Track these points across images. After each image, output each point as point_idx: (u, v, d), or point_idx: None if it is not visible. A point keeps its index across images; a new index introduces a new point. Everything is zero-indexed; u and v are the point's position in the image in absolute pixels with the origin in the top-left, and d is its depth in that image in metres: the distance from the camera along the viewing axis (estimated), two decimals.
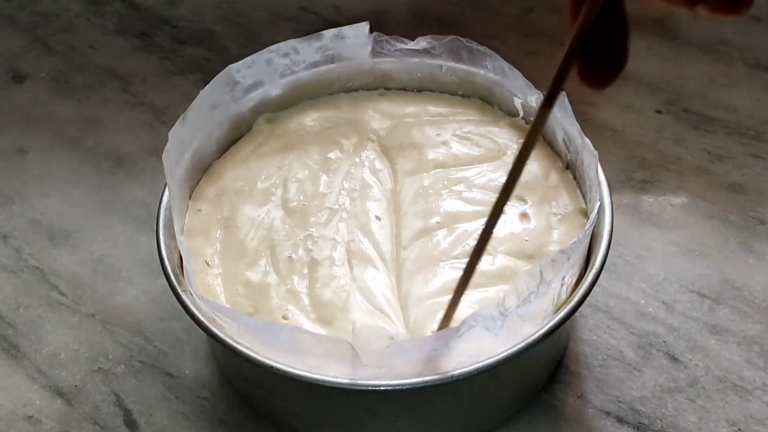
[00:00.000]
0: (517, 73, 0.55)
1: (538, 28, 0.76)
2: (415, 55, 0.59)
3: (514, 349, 0.43)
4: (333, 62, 0.59)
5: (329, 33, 0.58)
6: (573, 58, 0.36)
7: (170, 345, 0.56)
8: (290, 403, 0.49)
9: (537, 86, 0.54)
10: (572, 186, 0.53)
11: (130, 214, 0.64)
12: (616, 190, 0.62)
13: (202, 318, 0.45)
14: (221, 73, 0.55)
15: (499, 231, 0.51)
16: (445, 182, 0.54)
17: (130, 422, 0.52)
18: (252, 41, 0.78)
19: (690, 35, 0.75)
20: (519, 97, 0.56)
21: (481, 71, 0.58)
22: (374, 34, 0.58)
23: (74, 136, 0.70)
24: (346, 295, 0.49)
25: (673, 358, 0.53)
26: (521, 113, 0.57)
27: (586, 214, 0.52)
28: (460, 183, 0.54)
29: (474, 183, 0.54)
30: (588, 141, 0.51)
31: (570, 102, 0.51)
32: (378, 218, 0.53)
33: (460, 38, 0.57)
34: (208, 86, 0.54)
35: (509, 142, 0.56)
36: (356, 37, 0.58)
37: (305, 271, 0.50)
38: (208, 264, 0.51)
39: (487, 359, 0.43)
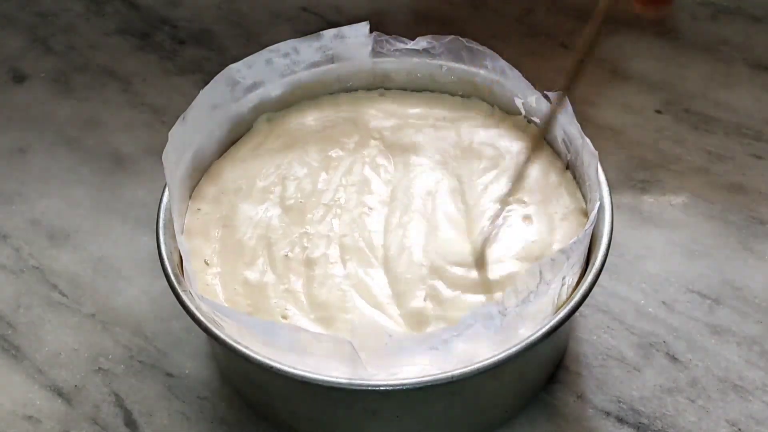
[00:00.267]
0: (517, 73, 0.55)
1: (538, 28, 0.76)
2: (415, 55, 0.59)
3: (514, 349, 0.43)
4: (333, 62, 0.59)
5: (329, 33, 0.58)
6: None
7: (170, 345, 0.56)
8: (290, 403, 0.49)
9: (537, 86, 0.54)
10: (572, 186, 0.53)
11: (130, 214, 0.64)
12: (616, 190, 0.61)
13: (202, 318, 0.45)
14: (221, 73, 0.55)
15: (504, 236, 0.51)
16: (445, 183, 0.54)
17: (130, 422, 0.52)
18: (252, 41, 0.78)
19: (690, 35, 0.75)
20: (519, 97, 0.56)
21: (481, 71, 0.58)
22: (374, 34, 0.58)
23: (74, 136, 0.70)
24: (341, 293, 0.49)
25: (673, 358, 0.53)
26: (523, 112, 0.57)
27: (586, 214, 0.52)
28: (462, 184, 0.54)
29: (475, 189, 0.54)
30: (588, 141, 0.50)
31: (570, 102, 0.51)
32: (370, 209, 0.53)
33: (460, 38, 0.57)
34: (208, 86, 0.54)
35: (511, 147, 0.56)
36: (356, 37, 0.58)
37: (301, 269, 0.50)
38: (207, 263, 0.51)
39: (487, 359, 0.43)
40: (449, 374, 0.42)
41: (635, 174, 0.64)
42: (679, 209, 0.61)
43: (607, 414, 0.51)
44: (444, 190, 0.54)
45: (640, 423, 0.51)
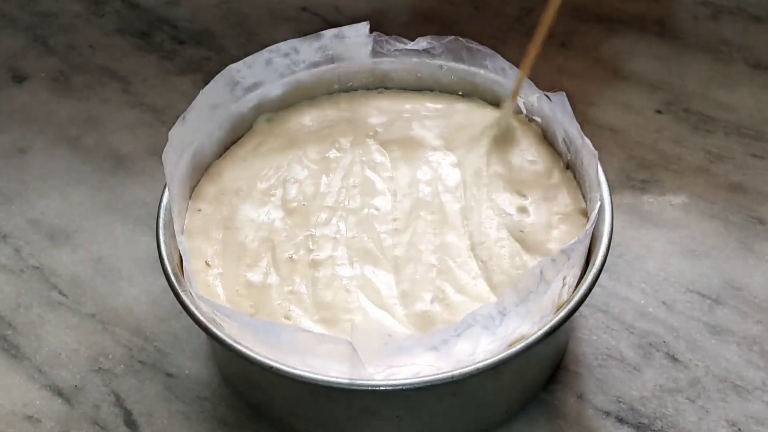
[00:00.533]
0: (518, 73, 0.55)
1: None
2: (415, 55, 0.59)
3: (514, 349, 0.43)
4: (333, 62, 0.59)
5: (329, 33, 0.58)
6: None
7: (170, 345, 0.56)
8: (290, 403, 0.49)
9: (537, 86, 0.54)
10: (573, 186, 0.53)
11: (130, 214, 0.64)
12: (616, 190, 0.62)
13: (202, 318, 0.45)
14: (221, 73, 0.55)
15: (494, 227, 0.51)
16: (440, 174, 0.54)
17: (130, 422, 0.52)
18: (252, 41, 0.78)
19: (690, 35, 0.75)
20: (520, 97, 0.56)
21: (481, 71, 0.58)
22: (374, 34, 0.58)
23: (74, 136, 0.70)
24: (347, 294, 0.49)
25: (673, 358, 0.53)
26: (524, 111, 0.57)
27: (586, 214, 0.52)
28: (463, 172, 0.54)
29: (469, 170, 0.54)
30: (588, 141, 0.51)
31: (570, 102, 0.51)
32: (377, 209, 0.53)
33: (460, 38, 0.57)
34: (208, 86, 0.54)
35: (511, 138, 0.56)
36: (356, 37, 0.58)
37: (307, 271, 0.50)
38: (208, 264, 0.51)
39: (487, 359, 0.43)
40: (449, 374, 0.42)
41: (635, 174, 0.64)
42: (679, 209, 0.61)
43: (607, 414, 0.51)
44: (445, 181, 0.54)
45: (640, 423, 0.51)
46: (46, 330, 0.57)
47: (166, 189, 0.51)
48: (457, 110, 0.59)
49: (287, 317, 0.48)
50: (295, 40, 0.57)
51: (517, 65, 0.55)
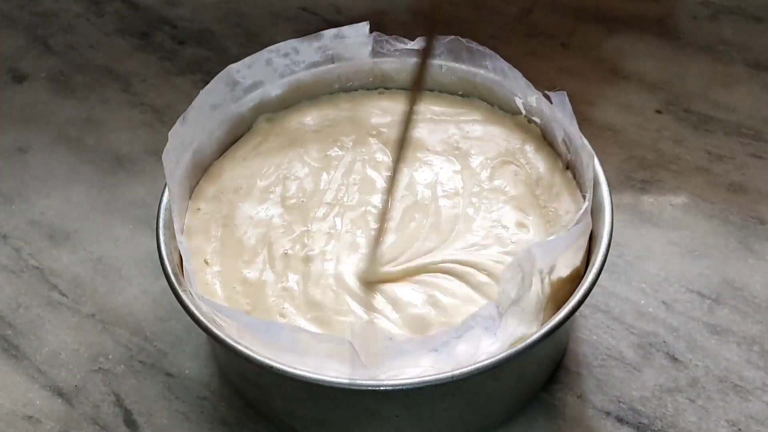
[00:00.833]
0: (517, 73, 0.55)
1: (538, 28, 0.76)
2: (415, 55, 0.59)
3: (514, 349, 0.43)
4: (333, 62, 0.59)
5: (329, 33, 0.58)
6: None
7: (170, 345, 0.56)
8: (290, 403, 0.49)
9: (537, 86, 0.54)
10: (572, 186, 0.53)
11: (130, 214, 0.64)
12: (616, 190, 0.62)
13: (202, 318, 0.45)
14: (221, 73, 0.55)
15: (486, 236, 0.51)
16: (440, 179, 0.54)
17: (130, 422, 0.52)
18: (252, 41, 0.78)
19: (690, 35, 0.75)
20: (519, 97, 0.56)
21: (481, 71, 0.58)
22: (374, 34, 0.58)
23: (74, 136, 0.70)
24: (334, 294, 0.49)
25: (673, 358, 0.53)
26: (523, 112, 0.57)
27: None
28: (464, 180, 0.54)
29: (474, 182, 0.54)
30: (586, 141, 0.51)
31: (570, 102, 0.51)
32: (375, 207, 0.53)
33: (460, 38, 0.57)
34: (208, 86, 0.54)
35: (513, 142, 0.56)
36: (356, 37, 0.58)
37: (299, 266, 0.50)
38: (206, 263, 0.51)
39: (487, 359, 0.43)
40: (449, 374, 0.42)
41: (635, 174, 0.64)
42: (679, 209, 0.61)
43: (607, 414, 0.51)
44: (446, 186, 0.54)
45: (640, 423, 0.51)
46: (46, 330, 0.57)
47: (166, 189, 0.51)
48: (462, 114, 0.58)
49: (282, 315, 0.48)
50: (295, 40, 0.57)
51: (517, 65, 0.55)
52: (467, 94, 0.59)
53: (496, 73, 0.57)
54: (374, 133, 0.58)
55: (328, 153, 0.56)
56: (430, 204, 0.53)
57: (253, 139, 0.58)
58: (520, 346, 0.43)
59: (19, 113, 0.73)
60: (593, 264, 0.47)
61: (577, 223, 0.46)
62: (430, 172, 0.55)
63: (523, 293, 0.43)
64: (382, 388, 0.43)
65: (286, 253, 0.51)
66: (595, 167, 0.50)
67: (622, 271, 0.58)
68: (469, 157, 0.55)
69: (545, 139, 0.56)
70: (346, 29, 0.58)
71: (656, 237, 0.60)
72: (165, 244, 0.49)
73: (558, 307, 0.46)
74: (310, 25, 0.78)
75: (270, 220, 0.53)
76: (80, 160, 0.68)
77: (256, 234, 0.52)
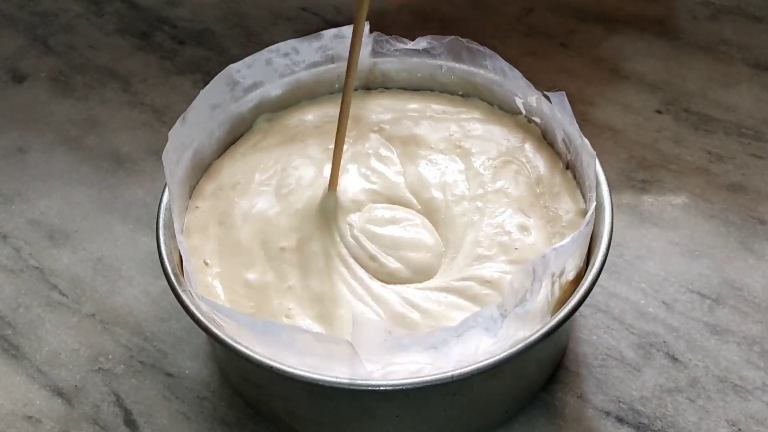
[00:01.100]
0: (517, 73, 0.55)
1: (538, 28, 0.76)
2: (415, 55, 0.59)
3: (514, 349, 0.43)
4: (333, 62, 0.59)
5: (329, 33, 0.58)
6: None
7: (170, 345, 0.56)
8: (290, 403, 0.49)
9: (537, 86, 0.54)
10: (572, 186, 0.53)
11: (130, 214, 0.64)
12: (616, 190, 0.62)
13: (202, 318, 0.45)
14: (221, 73, 0.55)
15: (489, 238, 0.51)
16: (446, 179, 0.54)
17: (130, 422, 0.52)
18: (252, 41, 0.78)
19: (690, 35, 0.75)
20: (519, 97, 0.56)
21: (481, 71, 0.58)
22: (374, 34, 0.58)
23: (74, 136, 0.70)
24: (331, 284, 0.49)
25: (673, 358, 0.53)
26: (523, 112, 0.57)
27: (585, 214, 0.51)
28: (468, 178, 0.54)
29: (478, 183, 0.54)
30: (587, 141, 0.51)
31: (570, 102, 0.51)
32: (379, 194, 0.53)
33: (460, 38, 0.57)
34: (208, 86, 0.54)
35: (513, 141, 0.56)
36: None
37: (296, 259, 0.50)
38: (206, 263, 0.51)
39: (487, 359, 0.43)
40: (449, 374, 0.42)
41: (635, 174, 0.64)
42: (679, 209, 0.61)
43: (607, 414, 0.51)
44: (451, 187, 0.54)
45: (640, 423, 0.51)
46: (46, 330, 0.57)
47: (166, 189, 0.51)
48: (463, 113, 0.58)
49: (288, 316, 0.48)
50: (295, 40, 0.57)
51: (517, 65, 0.55)
52: (467, 94, 0.59)
53: (496, 73, 0.57)
54: (376, 129, 0.58)
55: (330, 147, 0.56)
56: (431, 204, 0.53)
57: (253, 138, 0.58)
58: (520, 346, 0.43)
59: (19, 113, 0.73)
60: (593, 264, 0.47)
61: (587, 224, 0.46)
62: (437, 172, 0.55)
63: (530, 297, 0.43)
64: (381, 388, 0.43)
65: (282, 249, 0.51)
66: (595, 167, 0.50)
67: (622, 271, 0.58)
68: (472, 156, 0.55)
69: (545, 139, 0.56)
70: (346, 29, 0.58)
71: (656, 237, 0.60)
72: (165, 244, 0.49)
73: (552, 306, 0.46)
74: (310, 25, 0.78)
75: (265, 213, 0.53)
76: (80, 160, 0.68)
77: (253, 230, 0.52)
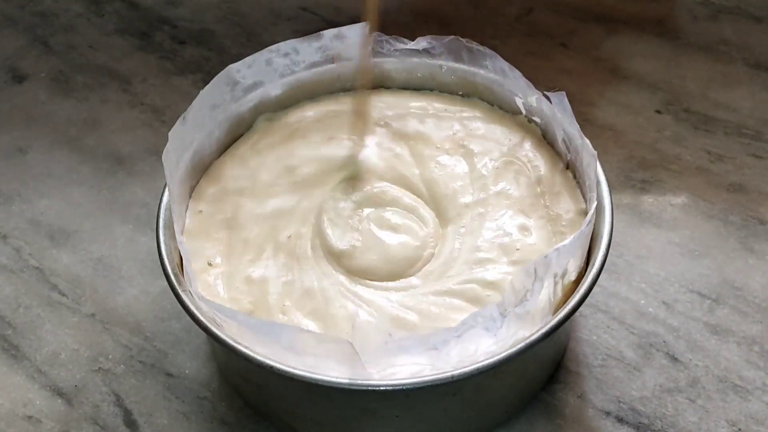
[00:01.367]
0: (517, 73, 0.55)
1: (538, 28, 0.76)
2: (415, 55, 0.59)
3: (514, 349, 0.43)
4: (333, 62, 0.59)
5: (329, 33, 0.58)
6: None
7: (170, 345, 0.56)
8: (290, 403, 0.49)
9: (537, 86, 0.54)
10: (573, 186, 0.53)
11: (130, 214, 0.64)
12: (616, 190, 0.62)
13: (202, 318, 0.45)
14: (221, 73, 0.55)
15: (490, 239, 0.51)
16: (459, 174, 0.54)
17: (130, 422, 0.52)
18: (252, 41, 0.78)
19: (690, 35, 0.75)
20: (520, 97, 0.56)
21: (481, 71, 0.58)
22: (374, 34, 0.58)
23: (74, 136, 0.70)
24: (329, 282, 0.49)
25: (673, 358, 0.53)
26: (523, 112, 0.57)
27: (586, 214, 0.51)
28: (473, 178, 0.54)
29: (480, 185, 0.54)
30: (587, 141, 0.51)
31: (570, 102, 0.51)
32: (389, 184, 0.53)
33: (460, 38, 0.57)
34: (208, 86, 0.54)
35: (515, 140, 0.56)
36: (356, 37, 0.58)
37: (298, 249, 0.50)
38: (210, 264, 0.51)
39: (487, 359, 0.43)
40: (449, 374, 0.42)
41: (635, 174, 0.64)
42: (679, 209, 0.62)
43: (607, 414, 0.51)
44: (455, 186, 0.54)
45: (640, 423, 0.51)
46: (46, 330, 0.57)
47: (166, 189, 0.51)
48: (464, 111, 0.58)
49: (283, 312, 0.48)
50: (295, 40, 0.57)
51: (517, 65, 0.55)
52: (467, 94, 0.59)
53: (496, 73, 0.57)
54: (382, 123, 0.57)
55: (333, 136, 0.56)
56: (433, 201, 0.53)
57: (252, 138, 0.58)
58: (520, 346, 0.43)
59: (19, 113, 0.73)
60: (593, 264, 0.47)
61: (588, 223, 0.46)
62: (444, 174, 0.55)
63: (531, 297, 0.43)
64: (381, 388, 0.43)
65: (289, 237, 0.51)
66: (595, 167, 0.50)
67: (622, 271, 0.58)
68: (475, 157, 0.55)
69: (545, 139, 0.56)
70: (346, 29, 0.58)
71: (656, 237, 0.60)
72: (165, 244, 0.49)
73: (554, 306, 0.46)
74: (310, 25, 0.78)
75: (276, 209, 0.53)
76: (80, 160, 0.68)
77: (263, 230, 0.52)
